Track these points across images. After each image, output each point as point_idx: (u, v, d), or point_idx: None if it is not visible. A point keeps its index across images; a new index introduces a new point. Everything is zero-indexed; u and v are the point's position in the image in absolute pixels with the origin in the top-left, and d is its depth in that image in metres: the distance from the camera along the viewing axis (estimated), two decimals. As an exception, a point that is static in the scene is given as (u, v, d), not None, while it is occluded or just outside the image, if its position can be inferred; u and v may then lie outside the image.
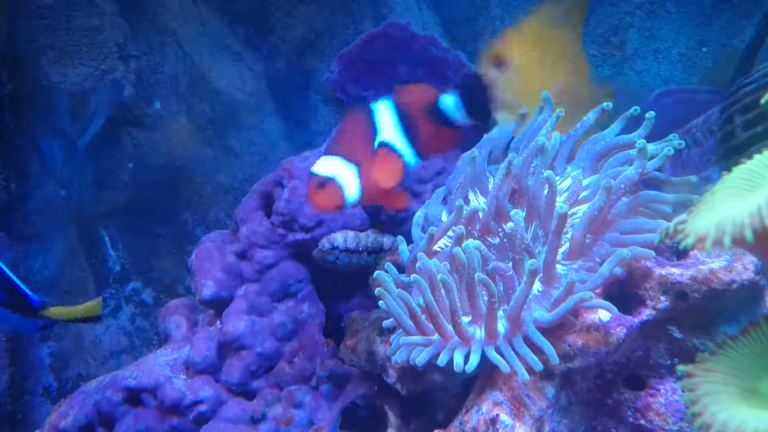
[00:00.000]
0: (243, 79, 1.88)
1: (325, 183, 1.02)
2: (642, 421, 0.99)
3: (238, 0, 1.84)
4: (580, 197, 1.11)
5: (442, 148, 1.14)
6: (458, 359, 0.97)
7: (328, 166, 1.02)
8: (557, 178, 1.17)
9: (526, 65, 1.34)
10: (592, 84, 1.43)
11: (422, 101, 1.08)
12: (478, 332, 1.00)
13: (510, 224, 1.02)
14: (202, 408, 1.34)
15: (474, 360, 0.96)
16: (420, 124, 1.07)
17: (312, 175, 1.02)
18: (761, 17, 1.56)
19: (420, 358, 1.00)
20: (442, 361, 0.98)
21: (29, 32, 1.74)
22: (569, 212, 1.08)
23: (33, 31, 1.73)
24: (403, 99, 1.07)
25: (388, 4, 1.87)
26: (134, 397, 1.38)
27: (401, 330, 1.07)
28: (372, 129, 1.05)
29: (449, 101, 1.07)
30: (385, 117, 1.05)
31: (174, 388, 1.36)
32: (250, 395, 1.39)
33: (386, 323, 1.14)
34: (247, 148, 1.89)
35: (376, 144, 1.05)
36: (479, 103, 1.07)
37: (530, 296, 0.99)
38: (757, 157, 0.74)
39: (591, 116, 1.18)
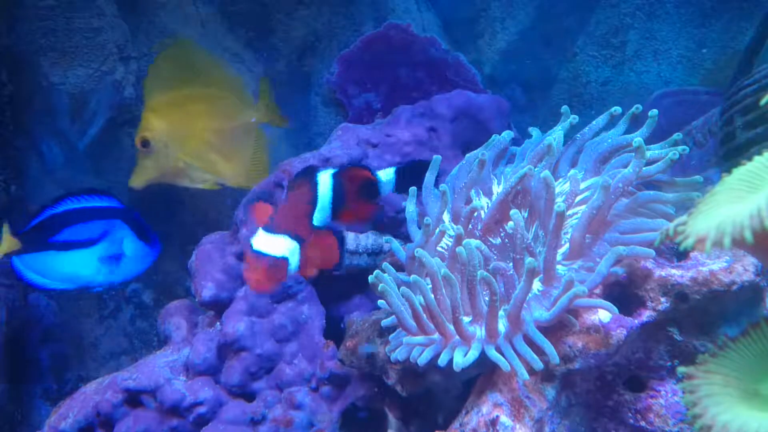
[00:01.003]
0: (243, 81, 1.88)
1: (277, 263, 1.01)
2: (642, 423, 0.99)
3: (238, 1, 1.84)
4: (580, 198, 1.11)
5: (356, 221, 1.18)
6: (458, 358, 0.97)
7: (278, 245, 1.01)
8: (560, 180, 1.17)
9: (175, 131, 1.41)
10: (252, 105, 1.50)
11: (358, 178, 1.13)
12: (479, 331, 1.00)
13: (511, 224, 1.02)
14: (202, 409, 1.34)
15: (471, 356, 0.96)
16: (349, 199, 1.12)
17: (262, 256, 1.00)
18: (761, 19, 1.57)
19: (422, 357, 1.00)
20: (443, 361, 0.98)
21: (29, 33, 1.74)
22: (569, 213, 1.08)
23: (33, 33, 1.73)
24: (344, 175, 1.11)
25: (388, 6, 1.88)
26: (134, 398, 1.38)
27: (401, 329, 1.07)
28: (313, 201, 1.07)
29: (387, 175, 1.15)
30: (324, 189, 1.08)
31: (174, 390, 1.35)
32: (249, 397, 1.39)
33: (385, 322, 1.14)
34: (247, 150, 1.89)
35: (315, 218, 1.08)
36: (410, 179, 1.18)
37: (530, 296, 0.99)
38: (757, 158, 0.74)
39: (600, 120, 1.18)
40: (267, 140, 1.59)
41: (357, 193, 1.12)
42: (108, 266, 1.59)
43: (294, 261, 1.03)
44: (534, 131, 1.25)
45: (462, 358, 0.96)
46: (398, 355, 1.04)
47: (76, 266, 1.58)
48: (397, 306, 1.04)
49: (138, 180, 1.49)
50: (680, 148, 1.08)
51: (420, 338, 1.03)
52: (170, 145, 1.44)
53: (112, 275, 1.61)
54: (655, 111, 1.10)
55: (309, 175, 1.08)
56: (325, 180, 1.08)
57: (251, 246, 1.01)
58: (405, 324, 1.04)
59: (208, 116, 1.49)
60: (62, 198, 1.59)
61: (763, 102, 0.79)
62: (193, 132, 1.47)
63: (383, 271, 1.12)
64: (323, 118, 1.91)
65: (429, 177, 1.24)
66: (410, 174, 1.20)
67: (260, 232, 1.02)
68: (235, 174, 1.53)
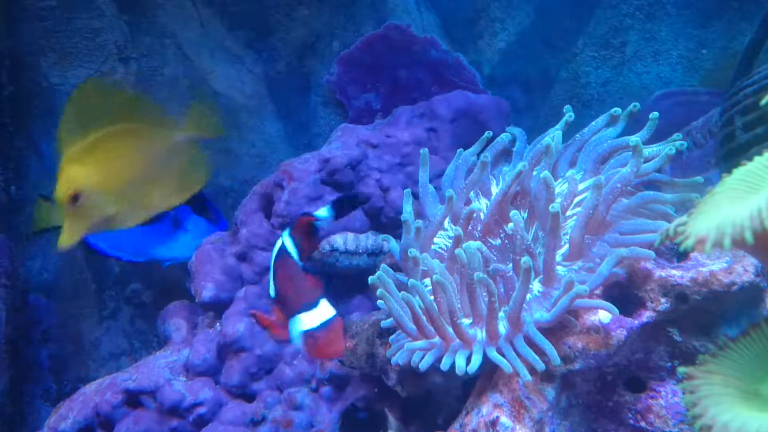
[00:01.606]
0: (243, 81, 1.88)
1: (339, 321, 1.02)
2: (642, 424, 0.99)
3: (238, 2, 1.84)
4: (579, 199, 1.11)
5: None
6: (460, 362, 0.97)
7: (323, 310, 1.02)
8: (559, 180, 1.17)
9: (102, 177, 1.32)
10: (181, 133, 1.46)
11: (305, 227, 1.16)
12: (479, 333, 1.00)
13: (511, 225, 1.02)
14: (202, 410, 1.34)
15: (476, 361, 0.96)
16: (305, 248, 1.15)
17: (329, 324, 1.00)
18: (761, 19, 1.56)
19: (423, 363, 1.00)
20: (445, 365, 0.98)
21: (29, 34, 1.74)
22: (568, 213, 1.08)
23: (33, 33, 1.73)
24: (296, 231, 1.14)
25: (388, 6, 1.88)
26: (134, 399, 1.38)
27: (402, 332, 1.07)
28: (294, 261, 1.11)
29: (323, 212, 1.17)
30: (290, 247, 1.12)
31: (173, 390, 1.35)
32: (249, 397, 1.39)
33: (384, 323, 1.13)
34: (247, 150, 1.89)
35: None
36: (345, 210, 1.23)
37: (531, 297, 0.99)
38: (757, 158, 0.74)
39: (600, 121, 1.18)
40: (199, 152, 1.52)
41: (307, 239, 1.16)
42: (174, 241, 1.60)
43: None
44: (516, 131, 1.26)
45: (464, 363, 0.96)
46: (399, 359, 1.04)
47: (144, 241, 1.58)
48: (396, 310, 1.03)
49: (69, 240, 1.35)
50: (677, 143, 1.08)
51: (420, 343, 1.02)
52: (100, 194, 1.32)
53: (180, 250, 1.61)
54: (656, 113, 1.10)
55: (282, 251, 1.11)
56: (287, 241, 1.12)
57: (306, 331, 1.00)
58: (405, 328, 1.04)
59: (130, 151, 1.38)
60: None
61: (763, 102, 0.79)
62: (120, 172, 1.38)
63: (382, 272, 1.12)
64: (323, 119, 1.91)
65: (423, 175, 1.24)
66: (344, 206, 1.24)
67: (302, 316, 1.02)
68: (168, 198, 1.46)
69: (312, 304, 1.02)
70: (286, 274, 1.08)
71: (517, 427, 0.96)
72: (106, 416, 1.36)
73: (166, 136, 1.44)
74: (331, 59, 1.87)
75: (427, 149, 1.25)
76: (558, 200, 1.08)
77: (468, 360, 0.97)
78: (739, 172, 0.74)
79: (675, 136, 1.12)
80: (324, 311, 1.02)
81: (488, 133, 1.25)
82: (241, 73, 1.88)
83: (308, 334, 1.00)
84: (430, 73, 1.85)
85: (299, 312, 1.02)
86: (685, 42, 1.81)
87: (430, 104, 1.63)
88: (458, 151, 1.26)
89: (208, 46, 1.85)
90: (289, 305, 1.05)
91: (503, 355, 0.96)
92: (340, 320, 1.02)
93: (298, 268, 1.09)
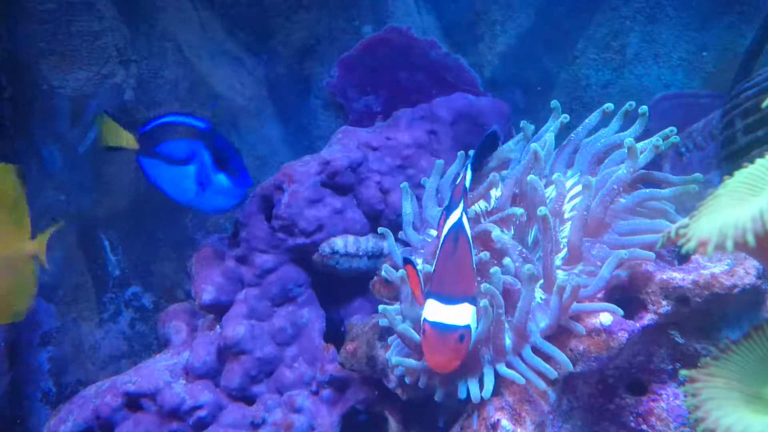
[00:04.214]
0: (243, 84, 1.88)
1: (464, 333, 0.91)
2: (644, 427, 0.98)
3: (238, 5, 1.84)
4: (577, 201, 1.10)
5: None
6: (474, 391, 0.96)
7: (461, 313, 0.92)
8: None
9: None
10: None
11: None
12: (485, 351, 0.99)
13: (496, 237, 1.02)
14: (202, 413, 1.34)
15: (488, 385, 0.96)
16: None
17: (449, 329, 0.91)
18: (761, 22, 1.56)
19: (437, 395, 1.01)
20: (462, 394, 0.98)
21: (29, 37, 1.74)
22: (566, 216, 1.08)
23: (33, 36, 1.73)
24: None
25: (388, 9, 1.88)
26: (133, 402, 1.38)
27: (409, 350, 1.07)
28: (471, 249, 1.00)
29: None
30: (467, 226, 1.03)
31: (173, 393, 1.35)
32: (249, 400, 1.38)
33: (383, 322, 1.13)
34: (247, 153, 1.89)
35: None
36: None
37: (534, 305, 0.99)
38: (758, 161, 0.74)
39: (593, 119, 1.18)
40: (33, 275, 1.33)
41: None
42: (198, 189, 1.55)
43: (474, 327, 0.93)
44: (527, 127, 1.25)
45: (477, 389, 0.96)
46: (407, 380, 1.05)
47: (176, 181, 1.54)
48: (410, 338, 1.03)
49: None
50: (671, 138, 1.07)
51: (422, 363, 1.01)
52: None
53: (201, 201, 1.55)
54: (644, 107, 1.10)
55: (458, 225, 0.99)
56: (465, 220, 1.01)
57: (428, 321, 0.91)
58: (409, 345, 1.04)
59: None
60: (167, 113, 1.53)
61: (764, 105, 0.79)
62: None
63: (384, 273, 1.11)
64: (323, 122, 1.91)
65: (431, 182, 1.24)
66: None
67: (432, 302, 0.92)
68: None
69: (452, 300, 0.91)
70: (454, 255, 0.96)
71: (518, 430, 0.96)
72: (105, 419, 1.36)
73: (10, 242, 1.31)
74: (332, 62, 1.87)
75: (442, 161, 1.25)
76: (549, 202, 1.08)
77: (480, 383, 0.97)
78: (740, 175, 0.74)
79: (667, 130, 1.10)
80: (454, 316, 0.90)
81: (471, 153, 1.21)
82: (241, 75, 1.87)
83: (425, 323, 0.92)
84: (431, 76, 1.85)
85: (434, 296, 0.92)
86: (685, 44, 1.81)
87: (431, 107, 1.63)
88: (459, 153, 1.26)
89: (208, 49, 1.85)
90: (435, 282, 0.95)
91: (514, 369, 0.96)
92: (466, 335, 0.90)
93: (470, 255, 0.97)
